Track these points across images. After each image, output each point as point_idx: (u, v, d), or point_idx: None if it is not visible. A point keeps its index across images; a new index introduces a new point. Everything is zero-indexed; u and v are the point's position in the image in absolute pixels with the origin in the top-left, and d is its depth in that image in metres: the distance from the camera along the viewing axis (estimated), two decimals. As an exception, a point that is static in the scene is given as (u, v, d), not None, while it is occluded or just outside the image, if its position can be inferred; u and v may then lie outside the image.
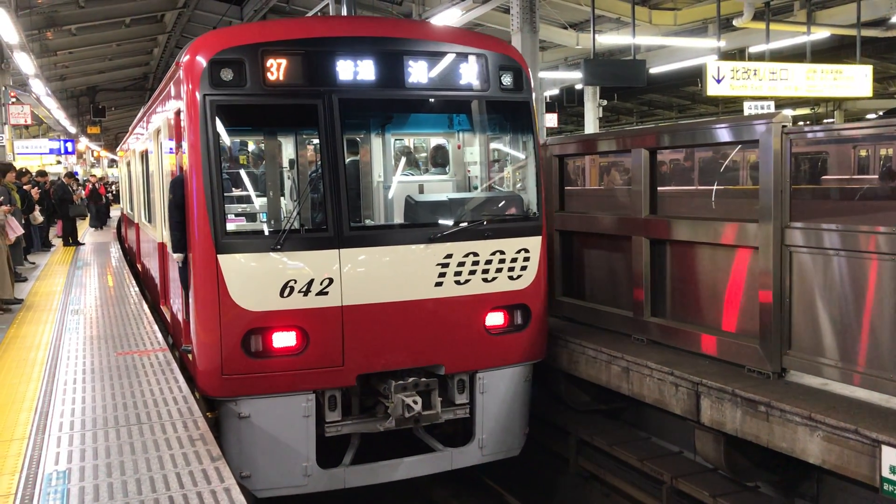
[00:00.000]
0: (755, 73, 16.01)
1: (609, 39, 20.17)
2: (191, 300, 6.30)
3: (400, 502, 7.57)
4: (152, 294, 10.48)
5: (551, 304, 7.91)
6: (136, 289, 11.52)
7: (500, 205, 7.04)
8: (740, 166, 16.18)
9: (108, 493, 4.28)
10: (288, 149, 7.49)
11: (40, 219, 16.48)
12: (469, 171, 7.60)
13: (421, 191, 7.38)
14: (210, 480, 4.41)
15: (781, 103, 25.41)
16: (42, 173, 20.30)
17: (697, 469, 6.33)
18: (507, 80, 6.79)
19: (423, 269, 6.39)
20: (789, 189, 5.52)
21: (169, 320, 8.40)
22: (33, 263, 15.10)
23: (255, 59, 6.02)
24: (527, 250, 6.74)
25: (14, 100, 22.62)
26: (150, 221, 10.20)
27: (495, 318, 6.72)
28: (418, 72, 6.48)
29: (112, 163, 61.63)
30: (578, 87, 28.80)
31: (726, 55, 20.00)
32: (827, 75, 16.73)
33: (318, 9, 7.75)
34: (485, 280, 6.60)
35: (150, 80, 36.80)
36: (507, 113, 7.07)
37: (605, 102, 27.20)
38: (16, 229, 11.75)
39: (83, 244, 19.47)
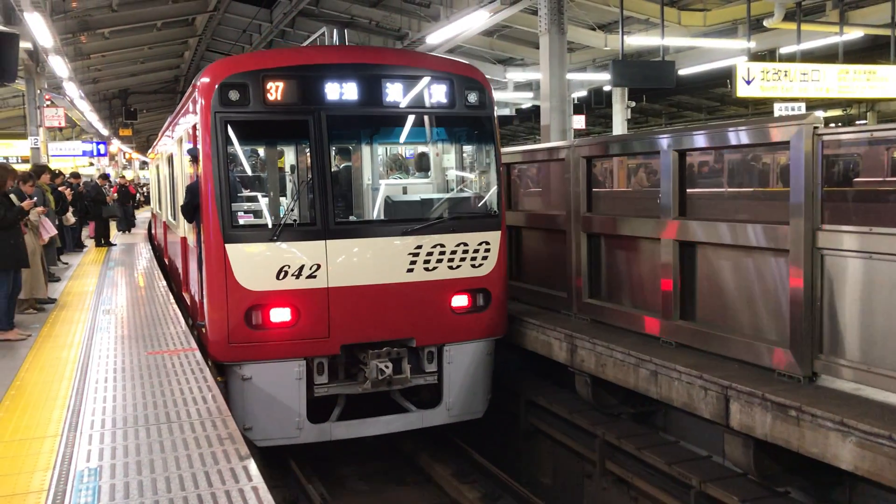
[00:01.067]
0: (786, 75, 15.82)
1: (638, 41, 20.05)
2: (204, 282, 7.81)
3: (381, 458, 9.25)
4: (176, 284, 11.90)
5: (578, 305, 8.09)
6: (165, 286, 11.65)
7: (464, 204, 8.56)
8: (770, 168, 16.00)
9: (137, 490, 4.32)
10: (284, 157, 9.17)
11: (73, 220, 16.73)
12: (442, 175, 9.11)
13: (405, 192, 8.90)
14: (238, 479, 4.44)
15: (813, 105, 25.09)
16: (75, 175, 20.54)
17: (726, 473, 6.27)
18: (472, 98, 8.27)
19: (397, 258, 7.84)
20: (821, 192, 5.45)
21: (189, 303, 9.81)
22: (66, 264, 15.30)
23: (257, 82, 7.60)
24: (487, 243, 8.17)
25: (48, 103, 22.95)
26: (174, 219, 11.54)
27: (460, 300, 8.15)
28: (394, 92, 8.03)
29: (143, 165, 62.32)
30: (606, 88, 28.67)
31: (756, 56, 19.79)
32: (860, 76, 16.48)
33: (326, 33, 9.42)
34: (450, 268, 8.05)
35: (180, 83, 37.18)
36: (472, 126, 8.52)
37: (633, 104, 27.01)
38: (49, 230, 11.90)
39: (115, 245, 19.71)
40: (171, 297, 10.77)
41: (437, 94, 8.25)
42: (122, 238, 22.10)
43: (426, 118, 8.49)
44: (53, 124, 23.30)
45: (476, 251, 8.16)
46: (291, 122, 7.87)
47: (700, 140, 6.67)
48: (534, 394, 8.74)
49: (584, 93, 28.67)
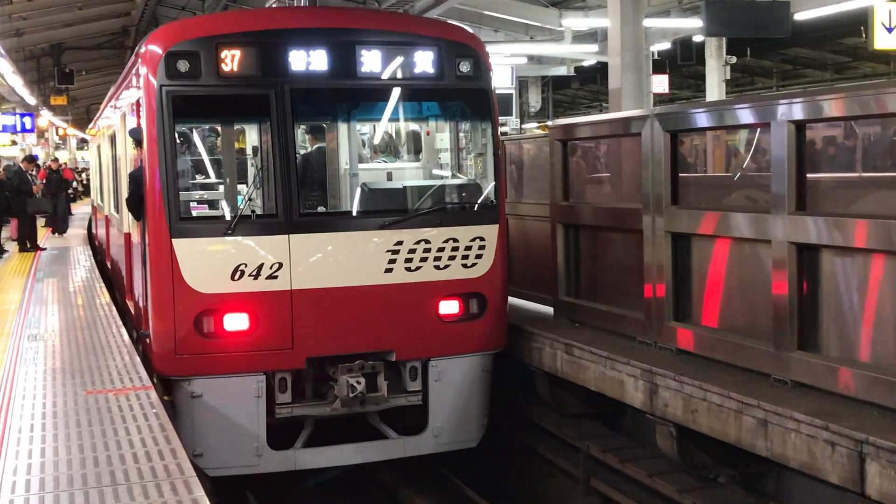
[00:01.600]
0: (942, 19, 15.65)
1: (739, -26, 19.94)
2: (148, 284, 8.41)
3: (354, 491, 9.82)
4: (119, 290, 12.49)
5: (659, 331, 8.14)
6: (108, 303, 11.74)
7: (454, 193, 9.13)
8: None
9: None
10: (242, 138, 10.02)
11: (-10, 216, 16.96)
12: (428, 159, 9.79)
13: (387, 178, 9.67)
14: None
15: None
16: (-8, 157, 20.84)
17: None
18: (464, 67, 8.87)
19: (373, 256, 8.50)
20: None
21: (132, 311, 10.33)
22: (-19, 274, 15.55)
23: (209, 51, 8.16)
24: (482, 238, 8.79)
25: (-43, 62, 23.21)
26: (117, 212, 12.00)
27: (449, 306, 8.79)
28: (371, 61, 8.59)
29: (83, 143, 63.05)
30: (698, 39, 28.48)
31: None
32: None
33: None
34: (437, 267, 8.68)
35: (131, 36, 37.54)
36: (464, 101, 9.22)
37: (733, 60, 26.86)
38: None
39: (45, 249, 19.90)
40: (116, 314, 10.91)
41: (423, 62, 8.86)
42: (55, 240, 22.32)
43: (409, 91, 9.17)
44: (-36, 91, 23.59)
45: (468, 248, 8.84)
46: (250, 97, 8.55)
47: (828, 107, 6.61)
48: (598, 446, 8.71)
49: (667, 45, 28.54)
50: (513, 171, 11.35)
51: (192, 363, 8.38)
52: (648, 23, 23.60)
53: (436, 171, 10.05)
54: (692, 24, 24.74)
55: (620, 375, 8.09)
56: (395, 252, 8.63)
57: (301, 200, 8.61)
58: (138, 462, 5.80)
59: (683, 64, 33.48)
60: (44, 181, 22.72)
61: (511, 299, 11.04)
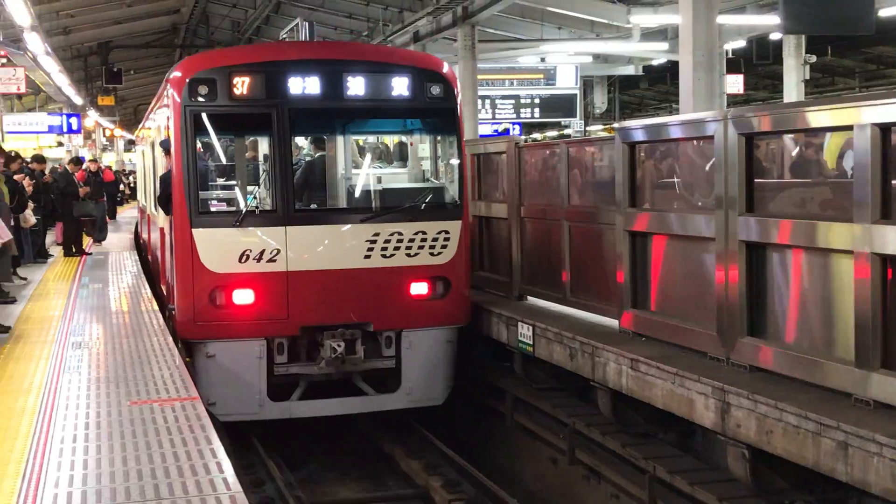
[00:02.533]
0: None
1: (820, -32, 19.65)
2: (174, 266, 11.45)
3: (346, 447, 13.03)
4: (157, 278, 15.09)
5: (731, 347, 8.05)
6: (155, 310, 11.90)
7: (424, 194, 12.15)
8: None
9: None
10: (250, 147, 13.10)
11: (33, 220, 17.15)
12: (404, 166, 13.24)
13: (367, 182, 12.50)
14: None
15: None
16: (39, 158, 21.01)
17: None
18: (434, 90, 11.80)
19: (354, 245, 11.41)
20: None
21: (165, 293, 12.97)
22: (24, 279, 15.72)
23: (224, 78, 11.22)
24: (447, 232, 11.68)
25: (4, 60, 23.37)
26: (156, 210, 14.24)
27: (418, 287, 11.66)
28: (355, 86, 11.58)
29: (130, 145, 63.87)
30: (775, 36, 28.20)
31: None
32: None
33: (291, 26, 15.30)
34: (408, 255, 11.55)
35: (181, 34, 38.00)
36: (434, 118, 12.29)
37: (813, 59, 26.53)
38: (2, 234, 12.27)
39: (90, 253, 20.18)
40: (163, 322, 11.24)
41: (398, 86, 11.76)
42: (100, 245, 22.59)
43: (386, 110, 12.17)
44: (10, 90, 23.74)
45: (435, 240, 11.67)
46: (255, 115, 11.54)
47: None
48: (665, 468, 8.64)
49: (742, 43, 28.29)
50: (576, 176, 11.32)
51: (208, 329, 11.24)
52: (722, 19, 23.37)
53: (409, 176, 13.21)
54: (769, 21, 24.46)
55: (690, 393, 8.01)
56: (373, 242, 11.47)
57: (296, 199, 11.59)
58: (183, 476, 5.84)
59: (759, 63, 33.16)
60: (80, 178, 22.14)
61: (571, 311, 11.05)
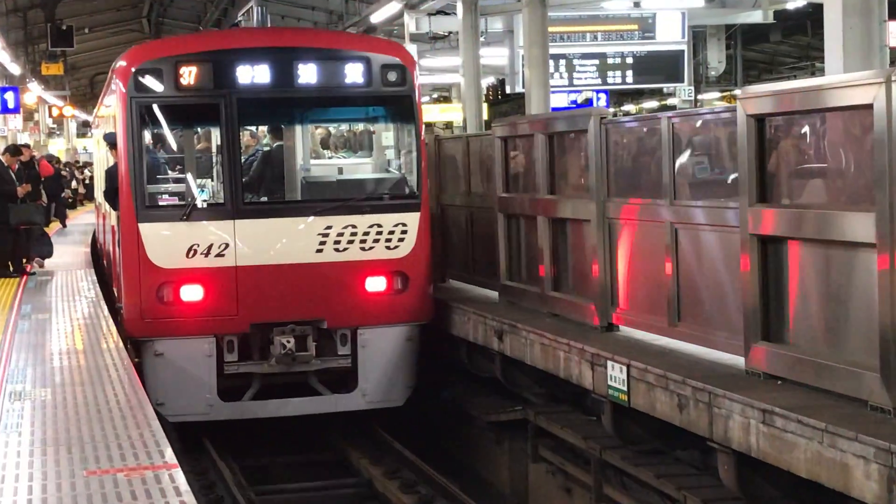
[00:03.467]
0: None
1: None
2: (121, 262, 14.21)
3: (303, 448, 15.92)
4: (111, 280, 18.09)
5: None
6: (119, 346, 11.93)
7: (380, 185, 15.42)
8: None
9: None
10: (198, 139, 16.15)
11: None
12: (358, 156, 16.49)
13: (321, 172, 16.09)
14: None
15: None
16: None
17: None
18: (391, 77, 14.65)
19: (306, 238, 14.23)
20: None
21: (117, 294, 15.94)
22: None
23: (171, 68, 13.96)
24: (404, 224, 14.51)
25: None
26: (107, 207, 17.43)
27: (374, 282, 14.48)
28: (307, 73, 14.45)
29: (85, 128, 64.37)
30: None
31: None
32: None
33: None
34: (362, 249, 14.35)
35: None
36: (391, 105, 15.37)
37: None
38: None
39: (33, 273, 20.26)
40: (129, 363, 11.44)
41: (353, 73, 14.66)
42: (52, 259, 22.49)
43: (339, 99, 15.39)
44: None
45: (391, 233, 14.50)
46: (203, 106, 14.60)
47: None
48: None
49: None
50: (686, 167, 11.24)
51: (155, 327, 14.11)
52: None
53: (372, 167, 16.40)
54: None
55: (843, 457, 7.91)
56: (325, 235, 14.33)
57: (248, 191, 14.70)
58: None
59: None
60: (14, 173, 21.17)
61: (679, 344, 10.98)
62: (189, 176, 14.98)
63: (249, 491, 13.68)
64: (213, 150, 15.70)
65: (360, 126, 17.11)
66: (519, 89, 33.01)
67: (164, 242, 13.99)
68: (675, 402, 10.07)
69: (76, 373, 11.08)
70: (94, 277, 19.43)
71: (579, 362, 11.87)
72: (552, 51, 29.90)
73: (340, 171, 16.42)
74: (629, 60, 34.45)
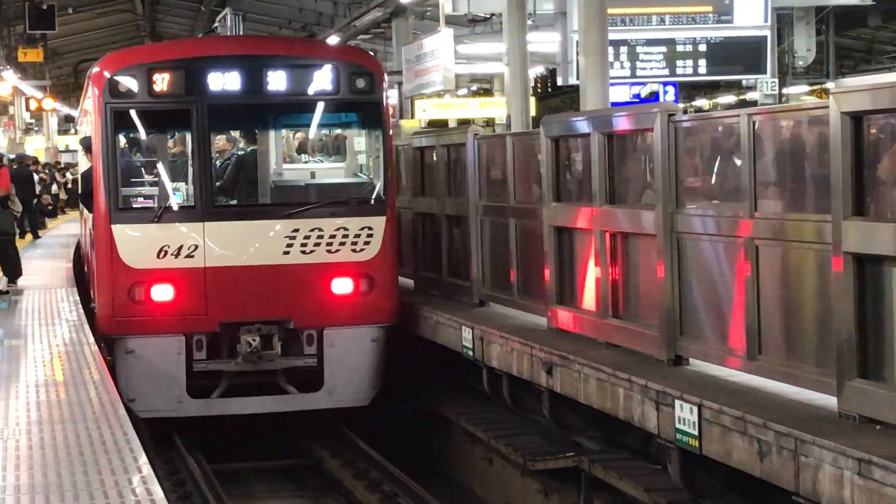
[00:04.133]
0: None
1: None
2: (94, 263, 17.58)
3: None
4: (89, 285, 20.58)
5: None
6: (104, 378, 11.96)
7: (347, 189, 18.38)
8: None
9: None
10: (171, 144, 19.10)
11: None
12: (327, 161, 20.31)
13: (290, 177, 19.17)
14: None
15: None
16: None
17: None
18: (358, 84, 17.46)
19: (273, 241, 17.05)
20: None
21: (94, 296, 18.66)
22: None
23: (144, 75, 16.86)
24: (370, 228, 17.23)
25: None
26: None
27: (340, 284, 17.22)
28: (276, 81, 17.30)
29: (67, 124, 64.62)
30: None
31: None
32: None
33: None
34: (329, 251, 17.10)
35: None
36: (360, 112, 18.59)
37: None
38: None
39: (6, 292, 20.40)
40: (117, 397, 11.45)
41: (321, 80, 17.60)
42: (28, 276, 22.52)
43: (308, 105, 18.31)
44: None
45: (357, 236, 17.37)
46: (175, 112, 17.53)
47: None
48: None
49: None
50: (766, 165, 11.21)
51: (127, 325, 16.96)
52: None
53: (336, 171, 19.98)
54: None
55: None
56: (293, 238, 17.21)
57: (220, 194, 17.77)
58: None
59: None
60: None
61: (759, 381, 10.94)
62: (161, 179, 17.90)
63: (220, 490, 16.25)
64: (186, 154, 18.58)
65: (330, 132, 21.30)
66: (572, 81, 32.91)
67: (136, 243, 16.99)
68: (755, 448, 10.03)
69: (55, 408, 11.12)
70: (77, 298, 19.53)
71: (642, 401, 11.85)
72: (612, 36, 29.70)
73: (313, 175, 19.81)
74: (702, 48, 34.43)
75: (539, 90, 63.83)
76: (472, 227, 17.85)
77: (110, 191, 16.91)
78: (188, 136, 17.87)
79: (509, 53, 30.79)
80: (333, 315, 17.36)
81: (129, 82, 16.92)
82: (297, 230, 17.13)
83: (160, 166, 18.09)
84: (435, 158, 20.08)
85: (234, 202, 18.15)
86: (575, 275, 14.65)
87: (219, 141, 18.87)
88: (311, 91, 17.73)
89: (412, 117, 46.31)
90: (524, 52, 30.79)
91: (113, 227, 16.80)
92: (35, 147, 57.50)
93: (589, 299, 14.01)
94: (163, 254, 16.72)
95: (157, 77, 16.86)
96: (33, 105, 53.30)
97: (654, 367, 12.36)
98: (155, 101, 17.10)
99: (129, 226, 16.96)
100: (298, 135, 21.61)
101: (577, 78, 29.77)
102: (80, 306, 18.58)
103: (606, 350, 13.17)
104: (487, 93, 56.82)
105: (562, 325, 14.78)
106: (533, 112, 36.12)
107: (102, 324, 17.07)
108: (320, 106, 18.43)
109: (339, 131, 20.57)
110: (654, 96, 36.75)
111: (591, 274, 13.83)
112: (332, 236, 17.25)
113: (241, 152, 18.80)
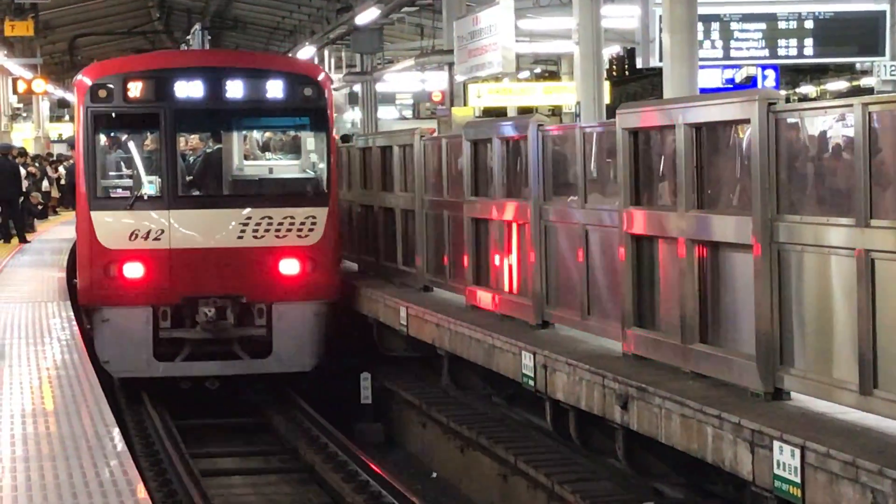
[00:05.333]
0: None
1: None
2: (77, 244, 27.56)
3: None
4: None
5: None
6: (107, 412, 12.03)
7: (295, 183, 28.29)
8: None
9: None
10: (143, 143, 28.35)
11: None
12: (278, 158, 32.08)
13: (248, 172, 29.24)
14: None
15: None
16: None
17: None
18: (307, 92, 26.16)
19: (229, 227, 25.65)
20: None
21: (77, 273, 26.79)
22: None
23: (120, 83, 25.45)
24: (314, 217, 25.72)
25: None
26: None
27: (287, 265, 25.58)
28: (233, 89, 25.94)
29: (61, 109, 64.93)
30: None
31: None
32: None
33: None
34: (277, 237, 25.58)
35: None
36: (307, 116, 27.81)
37: None
38: None
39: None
40: (116, 429, 11.70)
41: (273, 89, 25.42)
42: (11, 288, 22.93)
43: (261, 110, 27.04)
44: None
45: (303, 224, 25.09)
46: (146, 116, 25.57)
47: None
48: None
49: None
50: (885, 165, 11.17)
51: (103, 297, 24.39)
52: None
53: (290, 168, 28.75)
54: None
55: None
56: (245, 225, 24.56)
57: (180, 186, 25.09)
58: None
59: None
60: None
61: (875, 419, 10.95)
62: (134, 173, 26.17)
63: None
64: (155, 151, 25.98)
65: (282, 133, 31.13)
66: (654, 63, 32.84)
67: (111, 227, 24.32)
68: (869, 499, 10.03)
69: (45, 443, 11.18)
70: (71, 313, 19.65)
71: (734, 442, 11.85)
72: (702, 10, 29.64)
73: (271, 170, 28.64)
74: (808, 25, 34.27)
75: (615, 73, 63.71)
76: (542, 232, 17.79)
77: (90, 182, 24.42)
78: (157, 136, 25.24)
79: (580, 30, 30.80)
80: (281, 292, 24.76)
81: (108, 89, 24.29)
82: (249, 218, 24.64)
83: (133, 161, 26.33)
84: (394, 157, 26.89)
85: (196, 193, 25.84)
86: (655, 293, 14.66)
87: (191, 140, 27.55)
88: (264, 98, 25.47)
89: (465, 105, 46.18)
90: (598, 28, 30.82)
91: (92, 213, 24.17)
92: (23, 137, 57.57)
93: (673, 322, 13.99)
94: (134, 237, 24.13)
95: (131, 85, 24.25)
96: (21, 87, 53.06)
97: (749, 402, 12.37)
98: (129, 105, 24.63)
99: (106, 212, 24.44)
100: (255, 135, 30.74)
101: (660, 59, 29.73)
102: (74, 323, 18.53)
103: (692, 381, 13.17)
104: (554, 76, 56.67)
105: (638, 350, 14.79)
106: (607, 99, 36.09)
107: (83, 296, 24.48)
108: (272, 111, 26.96)
109: (289, 133, 30.20)
110: (751, 82, 36.66)
111: (674, 292, 13.82)
112: (281, 223, 24.72)
113: (207, 150, 26.75)
